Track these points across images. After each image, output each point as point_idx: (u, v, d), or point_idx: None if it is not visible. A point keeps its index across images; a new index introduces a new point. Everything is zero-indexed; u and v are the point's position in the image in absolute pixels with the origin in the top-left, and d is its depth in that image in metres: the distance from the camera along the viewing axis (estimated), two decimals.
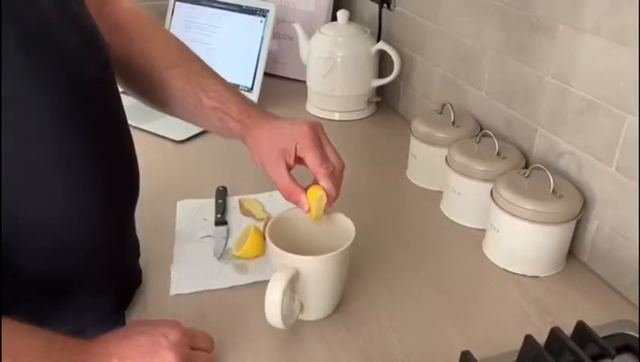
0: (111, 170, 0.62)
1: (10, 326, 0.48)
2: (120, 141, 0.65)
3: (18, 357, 0.48)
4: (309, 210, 0.66)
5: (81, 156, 0.58)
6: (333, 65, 1.22)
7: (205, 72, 0.74)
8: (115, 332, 0.56)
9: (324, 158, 0.66)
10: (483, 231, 0.83)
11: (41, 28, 0.54)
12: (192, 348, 0.58)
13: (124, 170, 0.66)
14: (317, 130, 0.68)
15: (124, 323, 0.70)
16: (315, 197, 0.64)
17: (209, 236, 0.83)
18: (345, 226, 0.69)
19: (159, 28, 0.78)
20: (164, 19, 1.45)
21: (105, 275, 0.66)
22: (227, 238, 0.82)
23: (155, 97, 0.75)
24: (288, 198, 0.67)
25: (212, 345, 0.62)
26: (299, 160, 0.67)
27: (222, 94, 0.71)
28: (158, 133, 1.14)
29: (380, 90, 1.30)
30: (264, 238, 0.73)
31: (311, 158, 0.65)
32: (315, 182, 0.66)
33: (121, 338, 0.55)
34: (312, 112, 1.29)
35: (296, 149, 0.66)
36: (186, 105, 0.73)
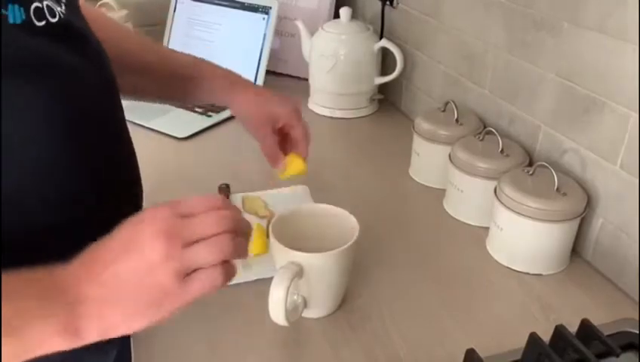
0: (110, 170, 0.60)
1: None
2: (119, 139, 0.64)
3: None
4: (282, 170, 0.75)
5: (77, 156, 0.54)
6: (335, 63, 1.22)
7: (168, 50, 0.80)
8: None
9: (306, 133, 0.76)
10: (486, 229, 0.83)
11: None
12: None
13: (123, 168, 0.65)
14: (299, 107, 0.78)
15: None
16: (294, 161, 0.74)
17: None
18: (348, 223, 0.68)
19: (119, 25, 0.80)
20: (167, 16, 1.45)
21: None
22: None
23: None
24: (270, 159, 0.75)
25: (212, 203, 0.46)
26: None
27: (196, 61, 0.79)
28: (160, 130, 1.14)
29: (382, 88, 1.30)
30: (267, 236, 0.73)
31: (298, 132, 0.76)
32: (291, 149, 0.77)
33: (95, 253, 0.44)
34: (315, 110, 1.29)
35: (279, 119, 0.75)
36: (164, 78, 0.76)
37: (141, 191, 0.68)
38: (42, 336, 0.41)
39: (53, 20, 0.52)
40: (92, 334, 0.42)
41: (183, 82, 0.78)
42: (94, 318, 0.42)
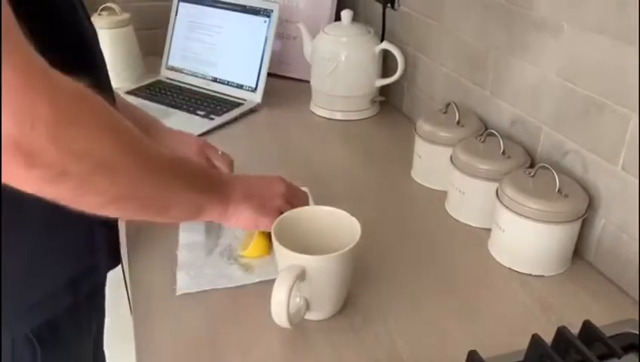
0: None
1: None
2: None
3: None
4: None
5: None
6: (337, 65, 1.22)
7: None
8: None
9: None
10: (488, 230, 0.83)
11: None
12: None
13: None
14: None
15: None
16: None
17: (213, 236, 0.83)
18: (350, 225, 0.69)
19: None
20: (168, 19, 1.45)
21: None
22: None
23: None
24: None
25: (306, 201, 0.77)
26: None
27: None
28: None
29: (383, 90, 1.30)
30: (269, 238, 0.73)
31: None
32: None
33: (244, 181, 0.70)
34: (316, 112, 1.29)
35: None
36: None
37: None
38: (208, 213, 0.65)
39: None
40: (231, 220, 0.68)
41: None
42: (236, 213, 0.68)
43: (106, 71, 0.68)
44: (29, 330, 0.64)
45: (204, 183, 0.63)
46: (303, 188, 0.94)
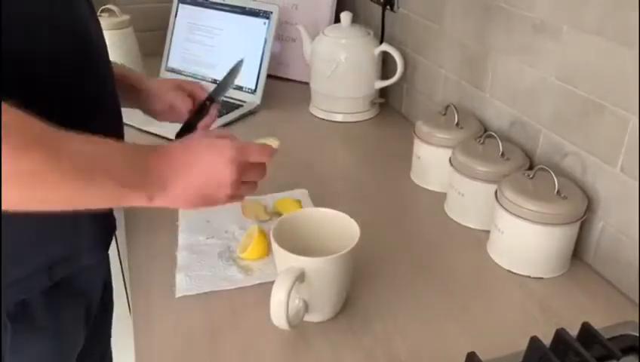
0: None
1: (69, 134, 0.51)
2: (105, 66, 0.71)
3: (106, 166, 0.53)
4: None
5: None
6: (336, 67, 1.22)
7: None
8: (171, 144, 0.62)
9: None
10: (487, 232, 0.83)
11: None
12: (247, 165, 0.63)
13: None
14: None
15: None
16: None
17: (213, 238, 0.83)
18: (349, 227, 0.69)
19: None
20: (168, 21, 1.45)
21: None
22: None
23: None
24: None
25: (267, 155, 0.65)
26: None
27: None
28: (160, 134, 1.14)
29: (383, 92, 1.30)
30: (268, 240, 0.73)
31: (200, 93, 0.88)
32: None
33: (185, 153, 0.60)
34: (316, 114, 1.29)
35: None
36: None
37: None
38: (129, 198, 0.56)
39: None
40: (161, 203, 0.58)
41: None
42: (169, 199, 0.58)
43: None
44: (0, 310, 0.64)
45: (127, 176, 0.55)
46: (302, 190, 0.94)
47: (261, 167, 0.65)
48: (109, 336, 0.94)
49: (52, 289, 0.68)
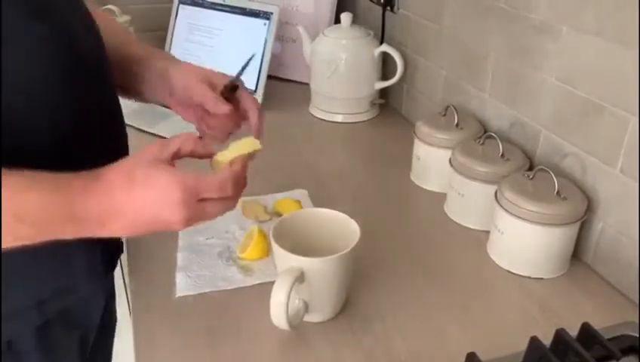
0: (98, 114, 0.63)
1: (9, 179, 0.47)
2: (107, 89, 0.66)
3: (19, 213, 0.48)
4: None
5: (73, 97, 0.58)
6: (336, 68, 1.22)
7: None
8: (115, 170, 0.53)
9: (256, 102, 0.73)
10: (487, 232, 0.83)
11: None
12: (202, 200, 0.54)
13: (110, 115, 0.67)
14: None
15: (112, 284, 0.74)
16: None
17: (213, 238, 0.83)
18: (349, 228, 0.69)
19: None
20: (168, 21, 1.45)
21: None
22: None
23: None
24: (217, 126, 0.72)
25: (225, 191, 0.55)
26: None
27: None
28: (163, 135, 1.15)
29: (383, 93, 1.30)
30: (268, 240, 0.73)
31: (247, 101, 0.71)
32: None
33: (128, 188, 0.52)
34: (316, 114, 1.29)
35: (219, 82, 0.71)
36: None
37: (126, 143, 0.70)
38: (63, 233, 0.51)
39: None
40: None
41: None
42: (110, 233, 0.53)
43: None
44: None
45: (64, 228, 0.51)
46: (301, 190, 0.94)
47: (223, 200, 0.55)
48: (109, 360, 0.87)
49: (43, 323, 0.64)
